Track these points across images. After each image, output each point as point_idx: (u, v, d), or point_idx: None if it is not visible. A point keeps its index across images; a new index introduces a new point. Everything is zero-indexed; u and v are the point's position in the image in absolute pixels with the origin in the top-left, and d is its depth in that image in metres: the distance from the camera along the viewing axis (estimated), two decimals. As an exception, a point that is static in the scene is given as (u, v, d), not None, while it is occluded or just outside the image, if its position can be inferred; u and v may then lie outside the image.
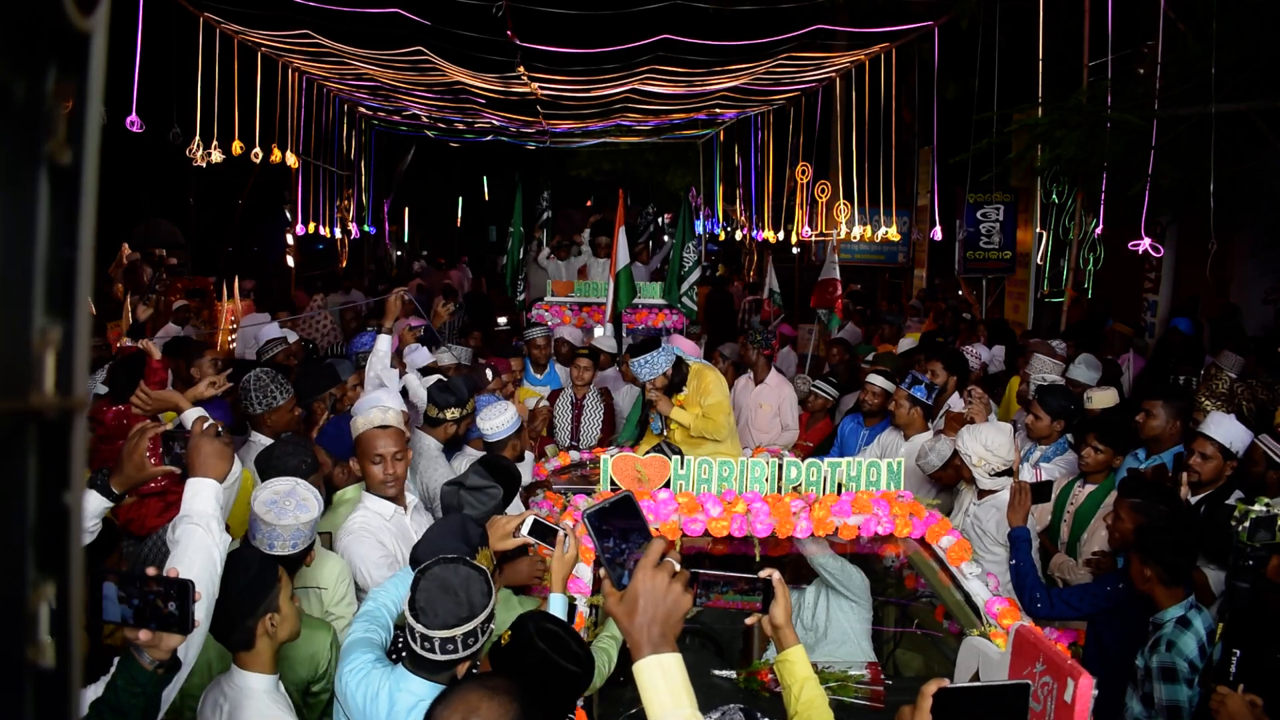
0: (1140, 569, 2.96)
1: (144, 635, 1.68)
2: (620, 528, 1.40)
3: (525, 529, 2.50)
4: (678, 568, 1.34)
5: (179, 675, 1.85)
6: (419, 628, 2.01)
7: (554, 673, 1.93)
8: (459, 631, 2.00)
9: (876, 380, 5.30)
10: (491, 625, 2.11)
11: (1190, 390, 4.89)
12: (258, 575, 2.12)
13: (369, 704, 2.09)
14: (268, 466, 2.80)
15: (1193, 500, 3.62)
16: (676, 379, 4.58)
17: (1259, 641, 2.66)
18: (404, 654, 2.17)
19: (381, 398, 3.28)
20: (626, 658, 2.79)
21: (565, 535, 2.50)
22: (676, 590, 1.31)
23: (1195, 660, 2.80)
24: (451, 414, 3.94)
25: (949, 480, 4.32)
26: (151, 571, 1.71)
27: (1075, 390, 5.01)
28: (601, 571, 1.39)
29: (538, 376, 6.44)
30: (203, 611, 1.93)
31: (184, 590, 1.68)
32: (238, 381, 3.88)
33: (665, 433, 4.66)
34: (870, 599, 3.82)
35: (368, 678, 2.13)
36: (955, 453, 4.06)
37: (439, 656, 2.02)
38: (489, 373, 5.23)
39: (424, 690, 2.08)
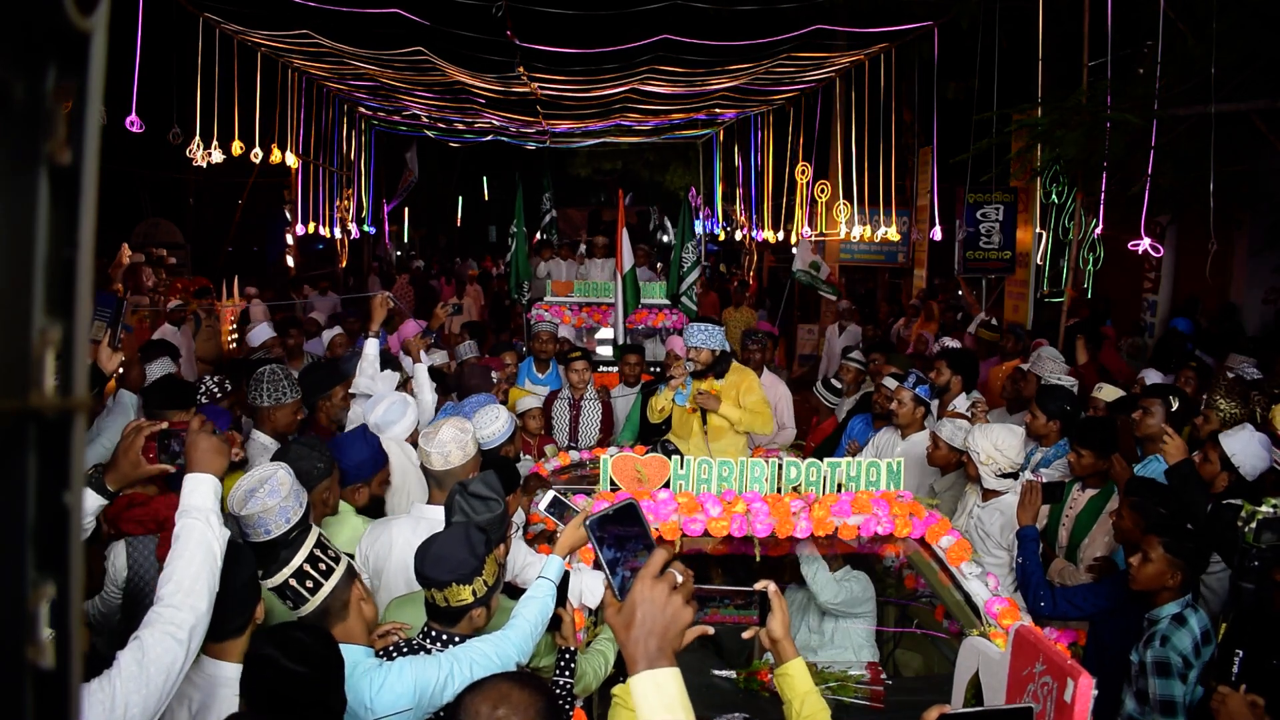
0: (1164, 567, 2.90)
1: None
2: (620, 535, 1.33)
3: (543, 505, 2.63)
4: (679, 579, 1.27)
5: (182, 668, 1.85)
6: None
7: (288, 679, 1.85)
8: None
9: (892, 383, 5.26)
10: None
11: (1182, 391, 4.86)
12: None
13: None
14: None
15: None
16: (719, 367, 4.63)
17: (1262, 642, 2.66)
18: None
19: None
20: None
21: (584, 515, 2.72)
22: (677, 603, 1.23)
23: (1189, 656, 2.79)
24: None
25: (947, 465, 4.32)
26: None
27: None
28: (604, 581, 1.34)
29: (540, 375, 6.31)
30: (205, 602, 1.93)
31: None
32: (236, 383, 3.87)
33: (691, 408, 4.62)
34: (874, 606, 3.82)
35: None
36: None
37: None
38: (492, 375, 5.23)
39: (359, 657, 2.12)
